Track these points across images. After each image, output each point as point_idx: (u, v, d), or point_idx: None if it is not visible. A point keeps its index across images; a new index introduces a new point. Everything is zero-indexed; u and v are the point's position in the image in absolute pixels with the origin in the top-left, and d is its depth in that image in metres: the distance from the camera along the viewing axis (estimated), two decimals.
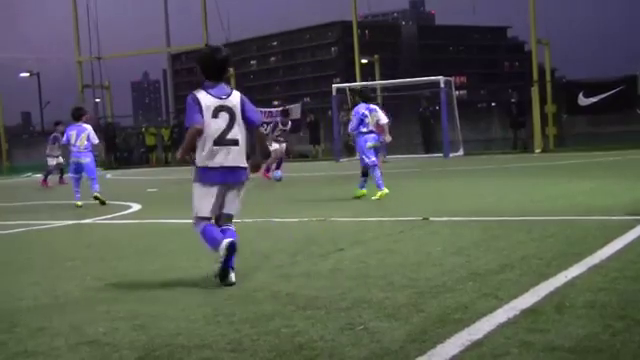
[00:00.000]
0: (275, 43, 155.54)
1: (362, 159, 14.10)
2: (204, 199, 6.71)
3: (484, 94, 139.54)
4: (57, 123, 27.68)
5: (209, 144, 6.62)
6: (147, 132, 43.55)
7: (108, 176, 23.76)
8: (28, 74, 76.59)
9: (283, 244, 8.73)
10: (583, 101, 31.62)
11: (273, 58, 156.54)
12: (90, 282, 6.87)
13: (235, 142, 6.65)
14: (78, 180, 15.62)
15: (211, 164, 6.66)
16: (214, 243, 6.50)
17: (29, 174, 39.73)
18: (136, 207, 14.43)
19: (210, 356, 4.31)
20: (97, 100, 55.99)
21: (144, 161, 41.95)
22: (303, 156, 38.31)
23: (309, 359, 4.19)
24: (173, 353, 4.39)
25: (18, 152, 48.85)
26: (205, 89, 6.67)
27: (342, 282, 6.18)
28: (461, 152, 31.29)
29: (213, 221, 6.76)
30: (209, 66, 6.70)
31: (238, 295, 5.90)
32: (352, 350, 4.27)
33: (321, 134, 38.85)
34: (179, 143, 39.47)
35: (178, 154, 7.20)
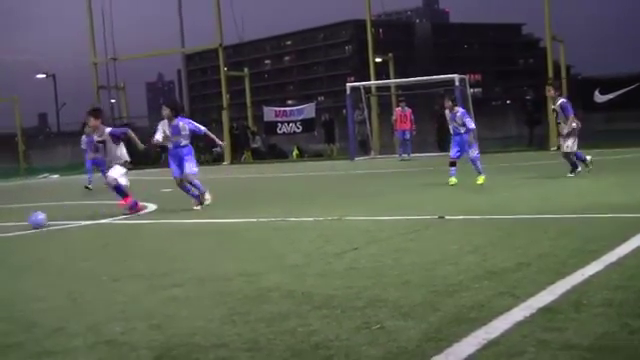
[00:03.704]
0: (289, 42, 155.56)
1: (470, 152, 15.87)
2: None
3: (499, 92, 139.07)
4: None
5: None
6: None
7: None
8: (44, 76, 76.97)
9: (298, 243, 8.73)
10: (599, 98, 31.45)
11: (287, 57, 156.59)
12: (106, 282, 6.90)
13: None
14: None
15: None
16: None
17: (46, 175, 39.92)
18: (151, 207, 14.46)
19: (226, 355, 4.32)
20: (112, 101, 56.18)
21: (159, 161, 42.03)
22: (318, 155, 38.29)
23: (325, 358, 4.19)
24: (190, 352, 4.40)
25: (35, 153, 49.09)
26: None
27: (358, 281, 6.18)
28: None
29: None
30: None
31: (254, 295, 5.91)
32: (368, 349, 4.27)
33: (336, 133, 38.81)
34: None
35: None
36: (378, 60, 39.89)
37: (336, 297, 5.62)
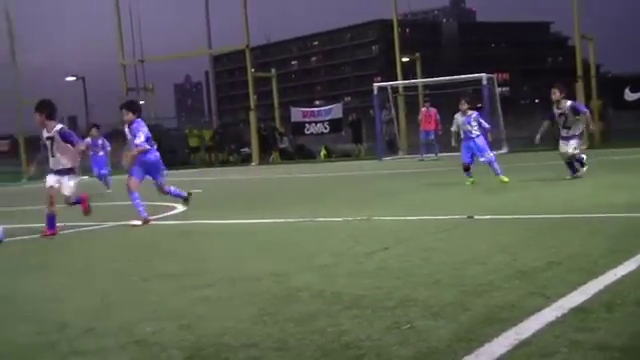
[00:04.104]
0: (316, 43, 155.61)
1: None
2: None
3: (527, 91, 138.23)
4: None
5: None
6: (190, 134, 43.87)
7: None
8: (74, 78, 77.57)
9: (327, 243, 8.73)
10: (630, 96, 31.17)
11: (314, 58, 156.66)
12: (137, 282, 6.94)
13: None
14: None
15: None
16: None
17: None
18: (181, 208, 14.51)
19: (256, 355, 4.32)
20: (141, 102, 56.52)
21: (187, 162, 42.24)
22: (346, 155, 38.28)
23: (355, 358, 4.18)
24: (220, 352, 4.41)
25: None
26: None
27: (387, 281, 6.17)
28: (505, 149, 31.01)
29: None
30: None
31: (283, 295, 5.91)
32: (399, 349, 4.26)
33: (363, 133, 38.77)
34: (222, 144, 39.21)
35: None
36: (405, 60, 39.80)
37: (366, 297, 5.61)
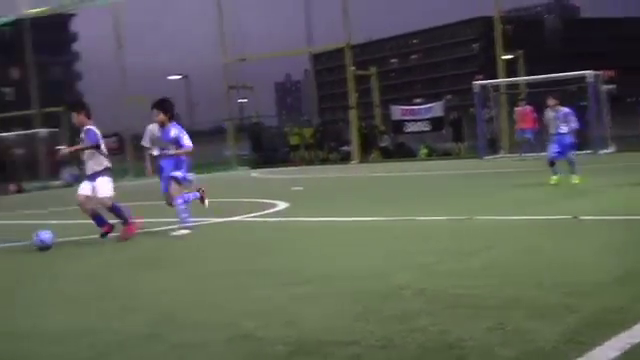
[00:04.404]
0: (415, 41, 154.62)
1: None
2: None
3: (634, 88, 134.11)
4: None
5: None
6: (290, 132, 44.24)
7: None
8: (177, 77, 79.37)
9: (428, 242, 8.68)
10: None
11: (414, 56, 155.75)
12: (240, 279, 7.05)
13: None
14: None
15: None
16: None
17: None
18: (282, 205, 14.67)
19: (359, 352, 4.34)
20: (242, 100, 57.33)
21: (288, 160, 42.61)
22: (446, 154, 37.91)
23: (458, 358, 4.15)
24: (323, 349, 4.45)
25: None
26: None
27: (490, 280, 6.10)
28: (612, 149, 30.16)
29: None
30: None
31: (385, 293, 5.91)
32: (502, 349, 4.21)
33: (464, 131, 38.32)
34: (322, 142, 39.34)
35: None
36: (507, 57, 39.16)
37: (468, 296, 5.56)
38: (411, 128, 38.62)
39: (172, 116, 11.59)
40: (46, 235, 10.44)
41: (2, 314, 6.29)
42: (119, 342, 4.92)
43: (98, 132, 11.24)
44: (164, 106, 11.52)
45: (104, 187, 11.01)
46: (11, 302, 6.85)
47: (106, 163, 11.20)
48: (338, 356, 4.29)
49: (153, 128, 12.26)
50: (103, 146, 11.25)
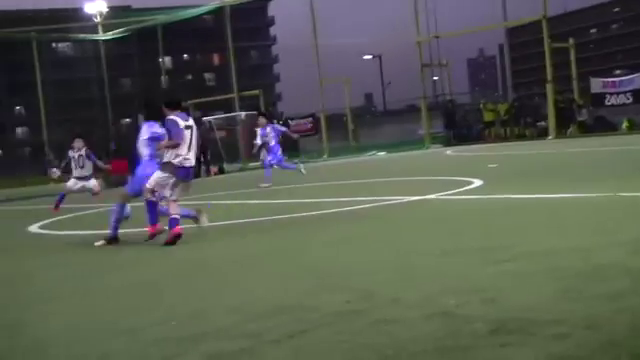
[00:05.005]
0: (617, 9, 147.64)
1: None
2: None
3: None
4: None
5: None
6: (485, 108, 43.55)
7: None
8: (371, 57, 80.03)
9: (635, 220, 8.30)
10: None
11: (614, 25, 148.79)
12: (438, 256, 7.04)
13: None
14: None
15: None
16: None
17: (373, 152, 41.56)
18: (478, 183, 14.50)
19: (564, 332, 4.22)
20: (435, 78, 56.99)
21: (482, 137, 42.02)
22: None
23: None
24: (525, 327, 4.36)
25: (362, 132, 51.22)
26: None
27: None
28: None
29: None
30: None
31: (588, 271, 5.72)
32: None
33: None
34: (518, 118, 38.49)
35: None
36: None
37: None
38: (612, 101, 37.05)
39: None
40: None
41: (216, 289, 6.61)
42: (319, 318, 5.04)
43: None
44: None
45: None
46: (224, 279, 7.18)
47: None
48: (541, 335, 4.20)
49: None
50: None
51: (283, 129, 21.94)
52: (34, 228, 13.97)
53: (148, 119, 10.11)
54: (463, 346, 4.15)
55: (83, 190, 17.84)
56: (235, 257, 8.39)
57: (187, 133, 9.53)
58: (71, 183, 17.86)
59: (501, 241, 7.55)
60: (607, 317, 4.42)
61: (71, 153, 17.66)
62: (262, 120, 20.73)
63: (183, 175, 9.58)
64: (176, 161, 9.47)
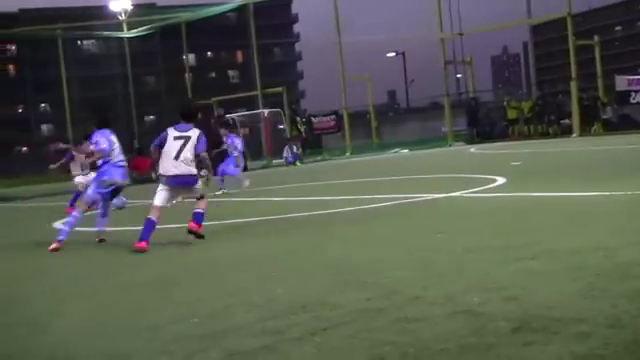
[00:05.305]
0: None
1: None
2: None
3: None
4: None
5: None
6: (509, 106, 43.31)
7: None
8: (394, 54, 79.92)
9: None
10: None
11: None
12: (461, 254, 7.02)
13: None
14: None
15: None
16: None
17: (397, 150, 41.48)
18: (501, 180, 14.44)
19: (587, 331, 4.19)
20: (458, 76, 56.80)
21: (505, 135, 41.81)
22: None
23: None
24: (548, 326, 4.34)
25: (385, 129, 51.13)
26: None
27: None
28: None
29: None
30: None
31: (612, 270, 5.67)
32: None
33: None
34: (542, 115, 38.19)
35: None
36: None
37: None
38: (637, 99, 36.80)
39: None
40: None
41: (236, 287, 6.62)
42: (340, 316, 5.04)
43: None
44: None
45: None
46: (243, 277, 7.19)
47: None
48: (565, 334, 4.17)
49: None
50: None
51: (238, 145, 20.91)
52: (59, 225, 14.06)
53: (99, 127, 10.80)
54: (486, 344, 4.13)
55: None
56: (253, 255, 8.41)
57: (175, 144, 9.78)
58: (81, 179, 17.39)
59: (524, 239, 7.50)
60: (631, 315, 4.39)
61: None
62: (223, 130, 21.09)
63: (172, 183, 9.80)
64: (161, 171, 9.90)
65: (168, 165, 9.71)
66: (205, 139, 9.94)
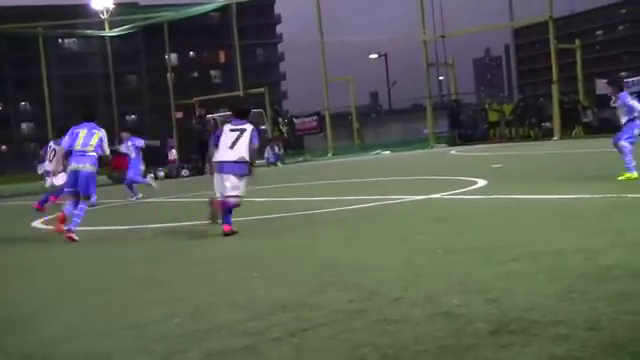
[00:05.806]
0: (623, 11, 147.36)
1: None
2: None
3: None
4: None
5: None
6: (490, 108, 43.51)
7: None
8: (376, 55, 79.98)
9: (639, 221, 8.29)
10: None
11: (621, 27, 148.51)
12: (442, 255, 7.04)
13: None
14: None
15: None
16: None
17: (378, 151, 41.55)
18: (482, 183, 14.49)
19: (565, 333, 4.21)
20: (441, 78, 56.95)
21: (487, 137, 41.97)
22: None
23: None
24: (527, 328, 4.35)
25: (367, 131, 51.19)
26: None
27: None
28: None
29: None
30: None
31: (592, 272, 5.71)
32: None
33: None
34: (523, 118, 38.38)
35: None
36: None
37: None
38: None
39: None
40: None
41: (219, 287, 6.61)
42: (321, 316, 5.04)
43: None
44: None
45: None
46: (228, 277, 7.19)
47: None
48: (543, 336, 4.19)
49: None
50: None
51: (141, 144, 20.61)
52: (38, 224, 13.99)
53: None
54: (464, 346, 4.15)
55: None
56: (236, 255, 8.40)
57: (230, 135, 10.50)
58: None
59: (504, 241, 7.54)
60: (609, 318, 4.41)
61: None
62: (124, 134, 21.10)
63: (225, 170, 10.41)
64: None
65: (223, 153, 10.39)
66: (258, 133, 10.86)
